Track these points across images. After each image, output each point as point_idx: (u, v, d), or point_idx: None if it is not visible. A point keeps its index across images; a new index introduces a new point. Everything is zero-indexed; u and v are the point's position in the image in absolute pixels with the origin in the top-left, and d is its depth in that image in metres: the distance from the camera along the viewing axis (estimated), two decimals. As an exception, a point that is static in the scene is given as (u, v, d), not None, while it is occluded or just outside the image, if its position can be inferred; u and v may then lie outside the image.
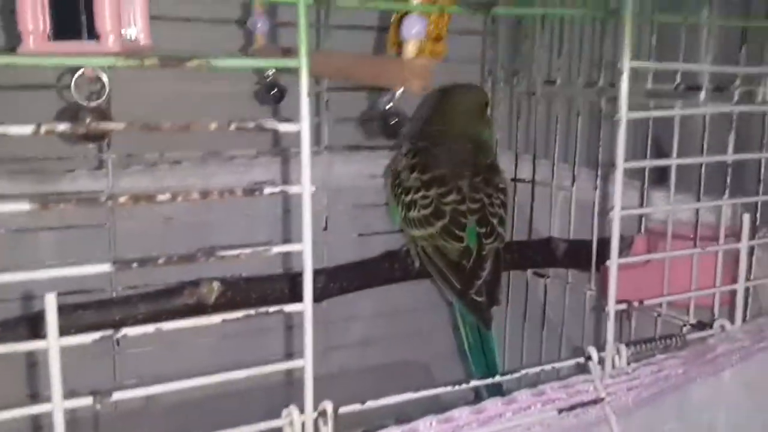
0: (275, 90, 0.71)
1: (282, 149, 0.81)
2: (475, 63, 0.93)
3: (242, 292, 0.62)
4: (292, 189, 0.36)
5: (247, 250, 0.36)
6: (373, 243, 0.82)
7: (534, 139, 0.85)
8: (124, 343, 0.72)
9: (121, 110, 0.66)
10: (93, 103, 0.54)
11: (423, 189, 0.68)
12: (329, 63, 0.58)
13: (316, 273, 0.68)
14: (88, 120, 0.55)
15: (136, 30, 0.53)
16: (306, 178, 0.35)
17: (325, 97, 0.81)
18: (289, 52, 0.66)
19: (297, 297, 0.58)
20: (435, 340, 0.92)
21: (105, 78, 0.55)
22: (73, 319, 0.57)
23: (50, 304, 0.31)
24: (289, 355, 0.82)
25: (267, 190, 0.36)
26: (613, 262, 0.45)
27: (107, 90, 0.54)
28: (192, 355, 0.75)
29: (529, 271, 0.85)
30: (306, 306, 0.36)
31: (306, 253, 0.36)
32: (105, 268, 0.32)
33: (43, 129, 0.31)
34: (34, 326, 0.54)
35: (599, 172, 0.77)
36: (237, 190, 0.35)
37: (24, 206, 0.30)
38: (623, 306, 0.47)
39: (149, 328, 0.35)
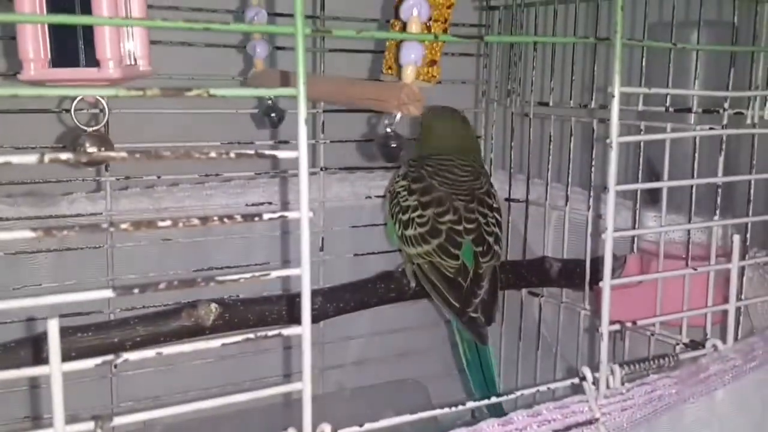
0: (273, 114, 0.72)
1: (279, 171, 0.82)
2: (470, 84, 0.94)
3: (240, 314, 0.63)
4: (291, 215, 0.37)
5: (247, 275, 0.36)
6: (369, 263, 0.82)
7: (528, 159, 0.86)
8: (122, 365, 0.72)
9: (120, 131, 0.67)
10: (93, 129, 0.55)
11: (420, 209, 0.69)
12: (327, 88, 0.59)
13: (313, 294, 0.68)
14: (87, 145, 0.55)
15: (137, 56, 0.54)
16: (304, 204, 0.36)
17: (322, 118, 0.82)
18: (288, 75, 0.67)
19: (295, 318, 0.59)
20: (432, 359, 0.93)
21: (105, 103, 0.56)
22: (72, 341, 0.57)
23: (53, 330, 0.32)
24: (287, 376, 0.83)
25: (266, 216, 0.37)
26: (606, 284, 0.46)
27: (107, 115, 0.55)
28: (190, 375, 0.76)
29: (524, 290, 0.85)
30: (304, 330, 0.36)
31: (304, 280, 0.37)
32: (107, 293, 0.33)
33: (46, 158, 0.31)
34: (36, 349, 0.55)
35: (591, 193, 0.78)
36: (237, 216, 0.36)
37: (27, 234, 0.31)
38: (616, 327, 0.48)
39: (149, 352, 0.35)
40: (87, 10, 0.52)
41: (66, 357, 0.32)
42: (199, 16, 0.75)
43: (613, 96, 0.45)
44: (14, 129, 0.69)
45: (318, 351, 0.85)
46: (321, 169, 0.84)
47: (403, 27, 0.51)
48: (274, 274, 0.38)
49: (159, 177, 0.76)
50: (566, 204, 0.81)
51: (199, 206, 0.77)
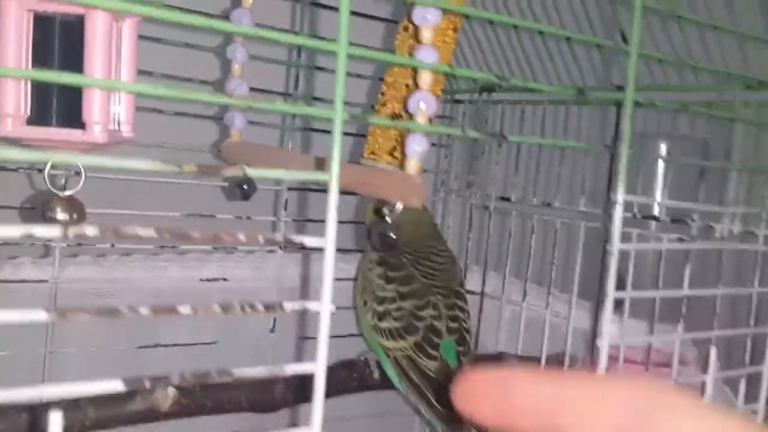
0: (245, 185, 0.69)
1: (234, 247, 0.79)
2: (429, 173, 0.95)
3: (198, 400, 0.59)
4: (311, 305, 0.35)
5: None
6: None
7: (486, 251, 0.86)
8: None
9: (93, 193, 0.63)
10: (66, 193, 0.51)
11: (399, 300, 0.67)
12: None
13: (271, 381, 0.65)
14: (58, 210, 0.52)
15: (121, 120, 0.52)
16: (326, 295, 0.34)
17: (285, 195, 0.80)
18: (268, 150, 0.66)
19: (255, 406, 0.55)
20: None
21: (82, 167, 0.52)
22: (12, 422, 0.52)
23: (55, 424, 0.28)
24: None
25: (287, 306, 0.34)
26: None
27: (83, 180, 0.51)
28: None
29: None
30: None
31: (318, 380, 0.34)
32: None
33: (36, 232, 0.28)
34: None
35: (551, 290, 0.79)
36: (259, 306, 0.33)
37: None
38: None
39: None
40: (73, 65, 0.49)
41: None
42: (170, 81, 0.73)
43: (617, 203, 0.46)
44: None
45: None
46: (280, 248, 0.81)
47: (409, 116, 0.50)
48: (289, 370, 0.36)
49: (113, 246, 0.72)
50: (524, 299, 0.81)
51: (150, 278, 0.73)
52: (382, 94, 0.65)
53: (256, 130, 0.73)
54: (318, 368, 0.35)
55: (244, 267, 0.78)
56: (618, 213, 0.45)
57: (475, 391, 0.25)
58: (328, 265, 0.34)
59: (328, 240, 0.34)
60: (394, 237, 0.48)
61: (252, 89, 0.68)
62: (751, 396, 0.58)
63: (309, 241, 0.34)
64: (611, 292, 0.46)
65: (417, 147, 0.48)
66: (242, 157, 0.67)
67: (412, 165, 0.48)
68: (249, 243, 0.33)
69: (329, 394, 0.71)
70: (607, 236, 0.46)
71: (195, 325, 0.76)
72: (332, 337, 0.35)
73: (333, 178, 0.33)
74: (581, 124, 0.76)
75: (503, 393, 0.24)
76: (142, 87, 0.30)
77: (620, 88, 0.42)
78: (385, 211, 0.48)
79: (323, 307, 0.35)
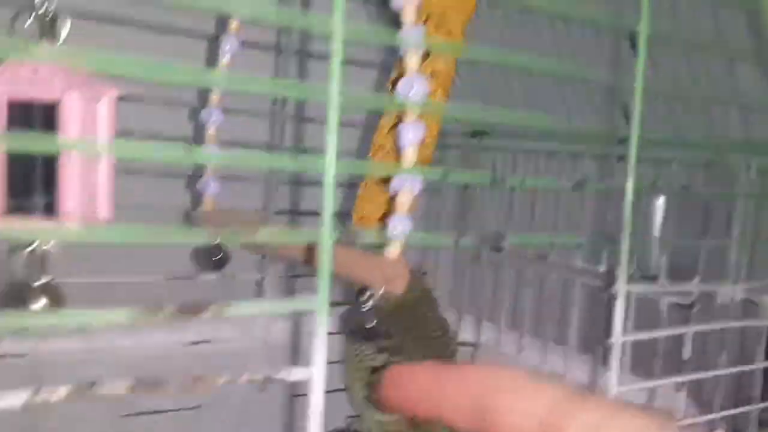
0: (219, 255, 0.67)
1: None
2: (419, 219, 0.92)
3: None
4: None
5: None
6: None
7: (479, 302, 0.84)
8: None
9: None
10: (42, 281, 0.49)
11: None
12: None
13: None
14: (32, 300, 0.49)
15: (98, 208, 0.49)
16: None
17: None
18: (241, 215, 0.64)
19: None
20: None
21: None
22: None
23: None
24: None
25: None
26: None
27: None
28: None
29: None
30: None
31: None
32: None
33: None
34: None
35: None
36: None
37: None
38: None
39: None
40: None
41: None
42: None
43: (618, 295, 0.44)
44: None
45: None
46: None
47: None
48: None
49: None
50: (519, 353, 0.79)
51: (133, 345, 0.71)
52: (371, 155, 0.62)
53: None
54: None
55: (231, 328, 0.76)
56: (620, 304, 0.44)
57: (406, 383, 0.30)
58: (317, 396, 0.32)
59: (317, 371, 0.32)
60: (372, 327, 0.46)
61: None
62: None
63: (296, 374, 0.32)
64: (619, 334, 0.44)
65: (400, 226, 0.46)
66: (218, 224, 0.65)
67: (395, 246, 0.46)
68: (230, 383, 0.31)
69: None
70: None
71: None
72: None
73: (322, 307, 0.31)
74: (577, 170, 0.74)
75: (435, 384, 0.29)
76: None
77: (622, 141, 0.41)
78: (364, 297, 0.46)
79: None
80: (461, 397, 0.27)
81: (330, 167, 0.30)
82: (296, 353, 0.80)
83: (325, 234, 0.30)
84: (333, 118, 0.30)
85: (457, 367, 0.29)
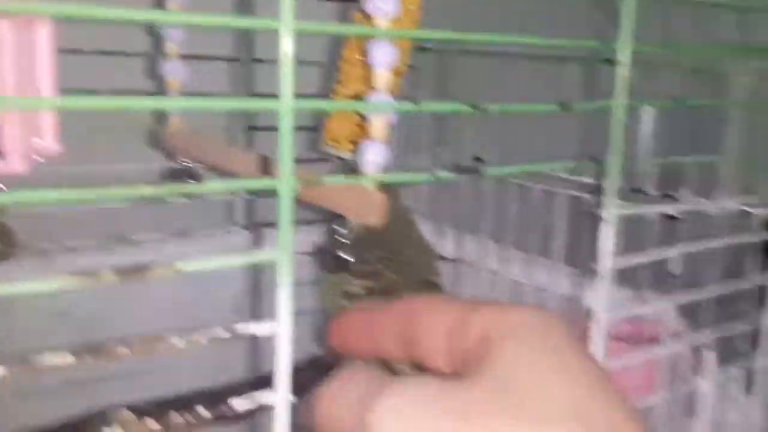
0: (190, 178, 0.63)
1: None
2: (395, 128, 0.89)
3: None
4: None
5: None
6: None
7: (460, 215, 0.82)
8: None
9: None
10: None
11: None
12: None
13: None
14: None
15: (45, 144, 0.45)
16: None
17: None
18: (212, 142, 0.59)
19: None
20: None
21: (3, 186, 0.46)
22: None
23: None
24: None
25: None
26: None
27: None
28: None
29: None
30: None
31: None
32: None
33: None
34: None
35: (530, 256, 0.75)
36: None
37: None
38: None
39: None
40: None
41: None
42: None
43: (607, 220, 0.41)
44: None
45: None
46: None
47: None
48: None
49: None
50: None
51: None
52: (339, 71, 0.58)
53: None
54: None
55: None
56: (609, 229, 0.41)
57: (347, 329, 0.33)
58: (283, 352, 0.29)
59: (282, 324, 0.29)
60: (349, 258, 0.44)
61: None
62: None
63: (261, 330, 0.30)
64: (610, 258, 0.42)
65: (373, 157, 0.42)
66: (186, 151, 0.61)
67: (371, 177, 0.42)
68: (192, 346, 0.28)
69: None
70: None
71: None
72: None
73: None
74: (563, 78, 0.70)
75: (367, 326, 0.31)
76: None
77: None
78: (340, 229, 0.44)
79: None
80: (389, 333, 0.30)
81: (286, 107, 0.27)
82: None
83: (284, 182, 0.27)
84: (287, 45, 0.27)
85: (385, 305, 0.31)
